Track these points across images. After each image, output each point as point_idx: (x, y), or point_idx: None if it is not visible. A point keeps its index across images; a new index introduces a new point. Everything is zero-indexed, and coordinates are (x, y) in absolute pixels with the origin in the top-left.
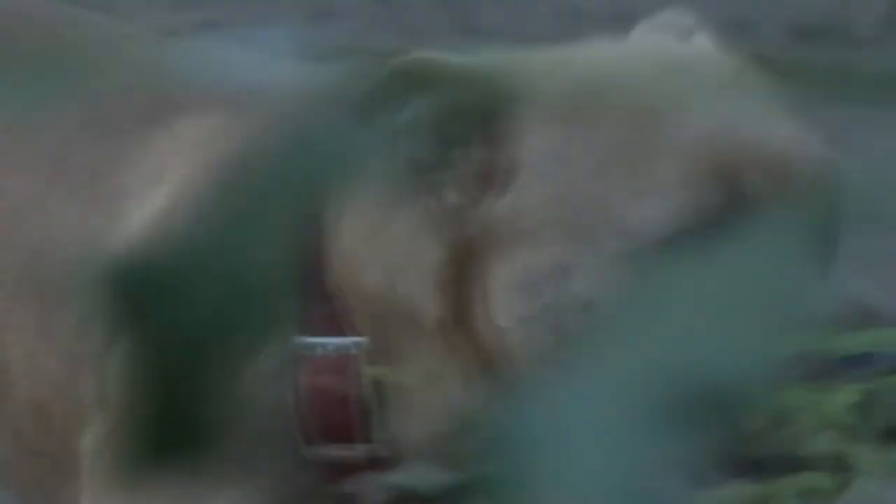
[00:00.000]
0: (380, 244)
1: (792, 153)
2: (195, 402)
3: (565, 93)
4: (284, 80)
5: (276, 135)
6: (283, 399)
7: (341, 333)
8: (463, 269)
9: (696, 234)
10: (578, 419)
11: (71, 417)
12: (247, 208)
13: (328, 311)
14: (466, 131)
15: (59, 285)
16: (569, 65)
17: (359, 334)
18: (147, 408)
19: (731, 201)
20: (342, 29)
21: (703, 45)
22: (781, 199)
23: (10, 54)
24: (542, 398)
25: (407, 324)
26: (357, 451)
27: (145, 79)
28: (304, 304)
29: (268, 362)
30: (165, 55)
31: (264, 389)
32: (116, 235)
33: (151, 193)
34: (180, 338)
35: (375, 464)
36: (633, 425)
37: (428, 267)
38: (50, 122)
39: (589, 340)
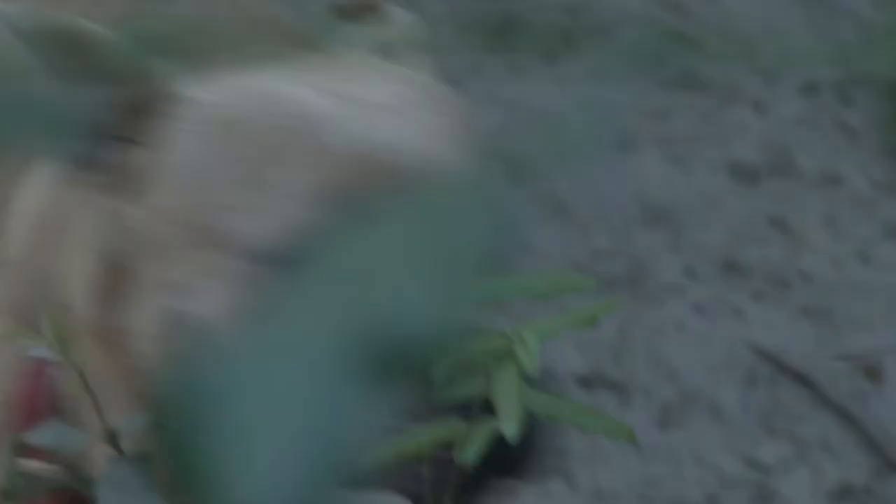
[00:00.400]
0: (50, 227)
1: (410, 159)
2: None
3: (219, 104)
4: None
5: None
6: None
7: None
8: (116, 276)
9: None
10: (265, 378)
11: None
12: None
13: None
14: (119, 128)
15: None
16: (233, 78)
17: None
18: None
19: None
20: None
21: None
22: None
23: None
24: (223, 361)
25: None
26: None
27: None
28: None
29: None
30: None
31: None
32: None
33: None
34: None
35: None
36: (324, 379)
37: (84, 272)
38: None
39: (274, 301)
